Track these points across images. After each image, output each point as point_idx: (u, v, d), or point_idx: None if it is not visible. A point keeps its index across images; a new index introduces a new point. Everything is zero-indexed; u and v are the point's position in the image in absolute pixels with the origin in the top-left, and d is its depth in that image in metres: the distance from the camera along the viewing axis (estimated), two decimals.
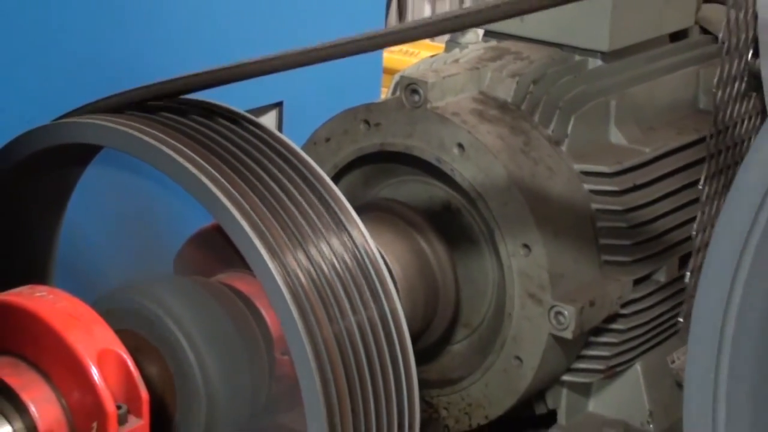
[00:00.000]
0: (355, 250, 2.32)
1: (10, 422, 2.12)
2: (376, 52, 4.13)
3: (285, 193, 2.29)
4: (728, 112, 2.64)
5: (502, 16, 2.11)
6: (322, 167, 2.64)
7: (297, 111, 3.56)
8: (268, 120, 3.81)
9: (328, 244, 2.29)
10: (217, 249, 2.47)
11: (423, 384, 2.79)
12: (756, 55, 2.55)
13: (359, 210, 2.67)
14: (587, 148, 2.90)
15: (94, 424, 2.12)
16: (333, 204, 2.35)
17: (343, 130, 2.90)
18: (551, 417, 3.02)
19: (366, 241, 2.35)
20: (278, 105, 3.85)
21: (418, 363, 2.71)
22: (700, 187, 2.69)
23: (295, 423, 2.26)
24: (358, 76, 3.52)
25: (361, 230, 2.35)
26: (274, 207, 2.26)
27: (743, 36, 2.58)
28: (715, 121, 2.66)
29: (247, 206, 2.22)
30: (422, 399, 2.91)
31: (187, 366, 2.33)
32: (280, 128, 3.76)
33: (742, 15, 2.57)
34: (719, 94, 2.64)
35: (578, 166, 2.84)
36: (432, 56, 3.16)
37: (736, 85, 2.62)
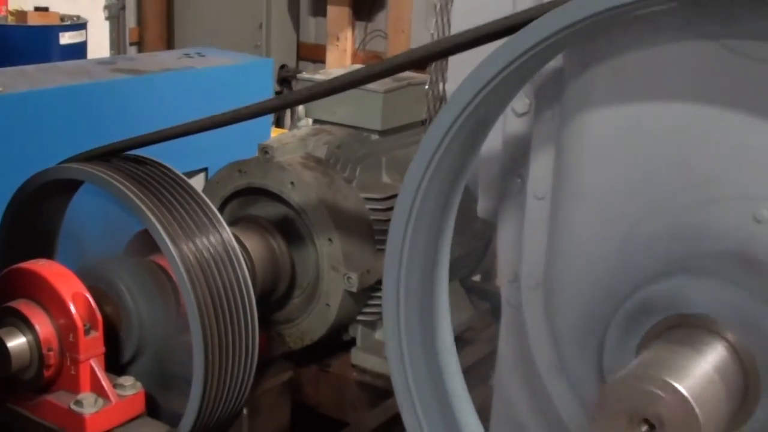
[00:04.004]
0: (223, 242, 2.39)
1: (24, 335, 2.26)
2: (265, 132, 4.02)
3: (183, 209, 2.37)
4: None
5: (311, 98, 2.29)
6: (214, 199, 2.79)
7: None
8: (197, 181, 3.69)
9: (207, 239, 2.37)
10: (147, 242, 2.46)
11: (275, 323, 2.97)
12: None
13: (236, 221, 2.84)
14: (368, 185, 2.98)
15: (71, 335, 2.25)
16: (212, 216, 2.41)
17: (226, 176, 2.96)
18: (353, 342, 3.11)
19: (230, 237, 2.41)
20: (204, 170, 3.82)
21: (272, 310, 2.90)
22: None
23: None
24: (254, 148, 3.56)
25: (227, 231, 2.41)
26: (176, 216, 2.35)
27: None
28: None
29: (160, 216, 2.31)
30: (275, 331, 2.97)
31: (127, 306, 2.45)
32: None
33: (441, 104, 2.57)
34: None
35: (362, 195, 2.93)
36: (283, 133, 3.21)
37: None
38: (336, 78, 2.01)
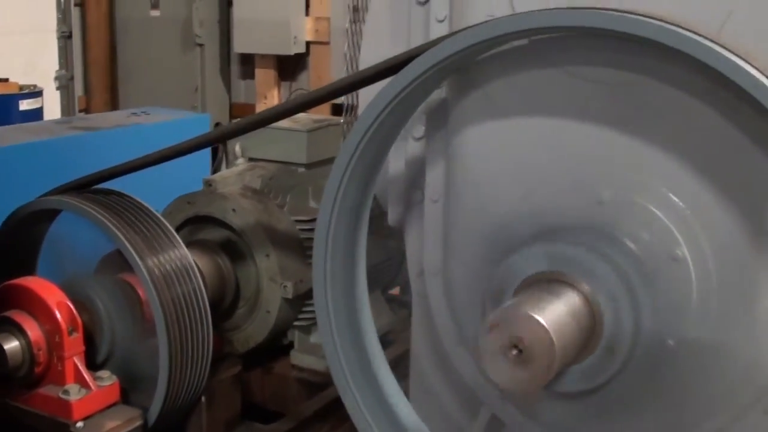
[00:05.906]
0: (181, 258, 2.55)
1: (17, 339, 2.41)
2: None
3: (148, 231, 2.53)
4: None
5: (240, 131, 2.40)
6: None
7: None
8: None
9: (168, 255, 2.52)
10: (116, 261, 2.60)
11: (225, 329, 3.07)
12: None
13: (190, 244, 2.84)
14: (297, 209, 3.11)
15: (57, 336, 2.40)
16: (172, 238, 2.57)
17: (177, 207, 3.07)
18: (291, 346, 3.22)
19: (187, 255, 2.56)
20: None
21: (221, 319, 3.01)
22: None
23: (156, 343, 2.45)
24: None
25: (184, 250, 2.57)
26: (143, 237, 2.50)
27: None
28: None
29: (129, 237, 2.47)
30: (224, 337, 3.06)
31: (100, 314, 2.58)
32: None
33: None
34: None
35: (293, 217, 3.06)
36: (225, 169, 3.37)
37: None
38: (255, 115, 2.29)
